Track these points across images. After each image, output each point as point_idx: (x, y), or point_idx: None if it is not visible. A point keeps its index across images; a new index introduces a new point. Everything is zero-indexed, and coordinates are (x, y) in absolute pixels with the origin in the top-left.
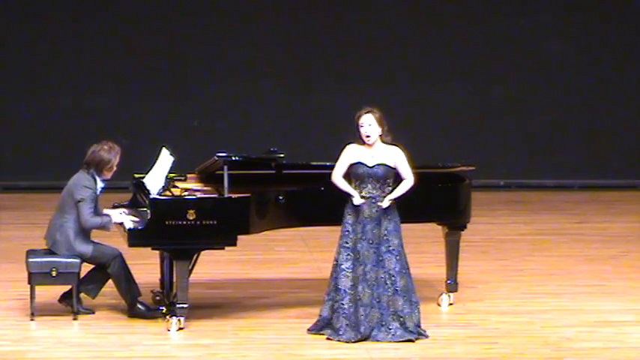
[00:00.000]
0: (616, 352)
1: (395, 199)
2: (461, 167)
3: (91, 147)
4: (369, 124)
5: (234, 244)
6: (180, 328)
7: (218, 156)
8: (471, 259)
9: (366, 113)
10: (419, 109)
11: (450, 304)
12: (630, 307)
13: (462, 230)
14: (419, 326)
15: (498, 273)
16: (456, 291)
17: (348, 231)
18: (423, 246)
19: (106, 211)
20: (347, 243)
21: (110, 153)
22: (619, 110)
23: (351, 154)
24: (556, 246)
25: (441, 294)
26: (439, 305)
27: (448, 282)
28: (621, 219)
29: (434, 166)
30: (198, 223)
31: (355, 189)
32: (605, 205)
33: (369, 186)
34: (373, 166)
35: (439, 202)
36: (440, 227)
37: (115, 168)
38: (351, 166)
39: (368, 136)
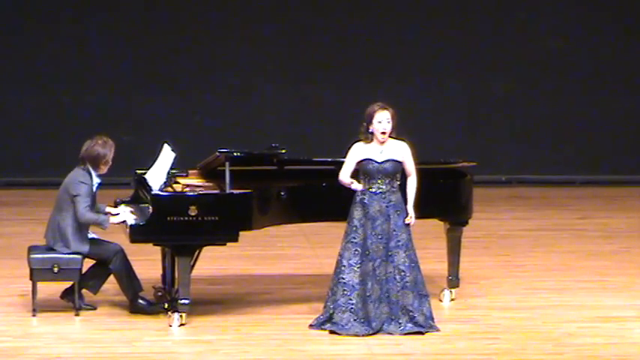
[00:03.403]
0: (617, 348)
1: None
2: (462, 163)
3: (85, 142)
4: (388, 120)
5: (236, 240)
6: (182, 324)
7: (220, 152)
8: (473, 255)
9: (383, 109)
10: (420, 105)
11: (452, 299)
12: (631, 303)
13: (464, 226)
14: (431, 319)
15: (500, 269)
16: (457, 287)
17: (355, 226)
18: (424, 242)
19: (108, 208)
20: (355, 238)
21: (105, 147)
22: (620, 105)
23: (358, 152)
24: (557, 242)
25: (443, 290)
26: (441, 301)
27: (449, 278)
28: (622, 215)
29: (435, 162)
30: (199, 218)
31: (364, 185)
32: (607, 200)
33: (379, 182)
34: (383, 162)
35: (441, 197)
36: (441, 223)
37: (110, 162)
38: (360, 162)
39: (384, 133)
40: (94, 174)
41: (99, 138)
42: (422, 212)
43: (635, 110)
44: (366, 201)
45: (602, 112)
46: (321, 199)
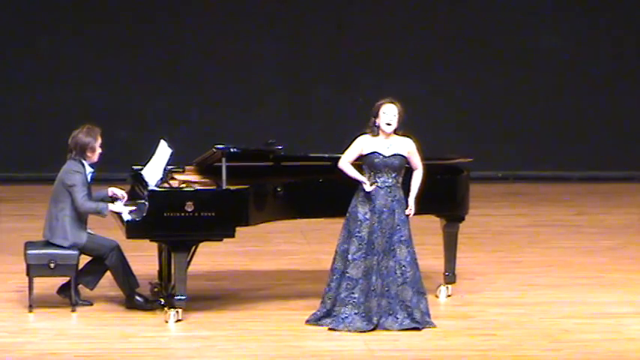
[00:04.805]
0: (614, 344)
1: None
2: (459, 159)
3: (72, 133)
4: (394, 114)
5: (233, 236)
6: (179, 320)
7: (216, 148)
8: (469, 251)
9: (390, 103)
10: (417, 102)
11: (448, 295)
12: (628, 299)
13: (460, 222)
14: (428, 315)
15: (496, 265)
16: (453, 283)
17: (360, 220)
18: (420, 238)
19: (111, 189)
20: (359, 232)
21: (89, 135)
22: (617, 102)
23: (364, 144)
24: (554, 238)
25: (439, 286)
26: (437, 297)
27: (446, 274)
28: (619, 211)
29: (432, 158)
30: (196, 214)
31: (369, 179)
32: (604, 196)
33: (385, 176)
34: (390, 156)
35: (437, 194)
36: (438, 219)
37: (98, 149)
38: (366, 156)
39: (389, 124)
40: (86, 164)
41: (83, 126)
42: (419, 208)
43: (631, 107)
44: (371, 195)
45: (598, 109)
46: (318, 195)
